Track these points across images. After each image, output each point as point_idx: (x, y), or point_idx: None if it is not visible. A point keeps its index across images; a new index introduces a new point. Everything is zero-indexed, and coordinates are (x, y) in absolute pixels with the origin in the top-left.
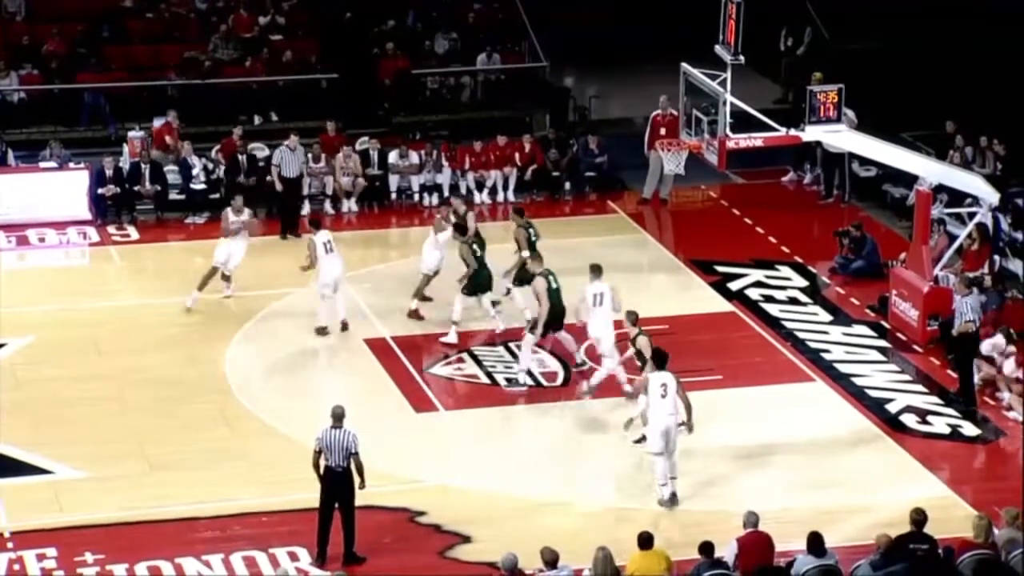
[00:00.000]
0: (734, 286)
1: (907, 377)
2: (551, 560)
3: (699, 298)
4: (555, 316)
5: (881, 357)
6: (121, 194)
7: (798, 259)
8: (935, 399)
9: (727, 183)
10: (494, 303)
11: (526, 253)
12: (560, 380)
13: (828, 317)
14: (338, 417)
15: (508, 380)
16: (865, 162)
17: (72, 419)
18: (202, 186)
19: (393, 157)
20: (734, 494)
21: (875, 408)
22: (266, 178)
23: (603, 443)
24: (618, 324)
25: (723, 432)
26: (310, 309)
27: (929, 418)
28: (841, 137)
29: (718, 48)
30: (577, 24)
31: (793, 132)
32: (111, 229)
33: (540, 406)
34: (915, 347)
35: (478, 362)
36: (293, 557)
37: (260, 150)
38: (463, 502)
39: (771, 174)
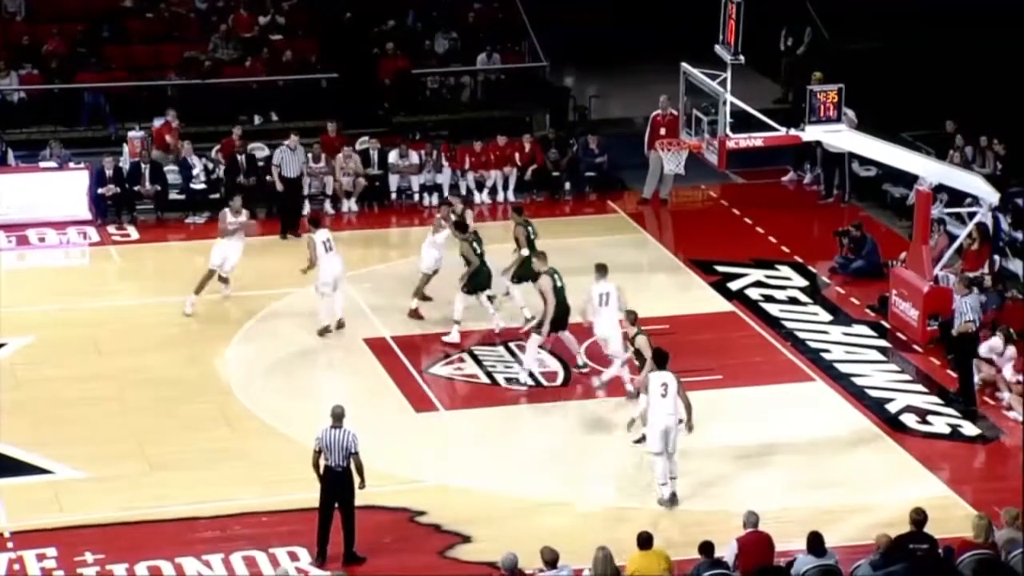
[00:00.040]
0: (734, 286)
1: (907, 377)
2: (551, 560)
3: (699, 298)
4: (560, 315)
5: (881, 357)
6: (121, 194)
7: (798, 259)
8: (935, 399)
9: (727, 183)
10: (490, 297)
11: (525, 251)
12: (560, 380)
13: (828, 317)
14: (338, 417)
15: (508, 380)
16: (865, 162)
17: (72, 419)
18: (202, 186)
19: (393, 157)
20: (734, 494)
21: (875, 408)
22: (266, 178)
23: (603, 443)
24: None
25: (723, 432)
26: (310, 309)
27: (929, 418)
28: (841, 137)
29: (718, 48)
30: (577, 24)
31: (793, 132)
32: (111, 229)
33: (540, 406)
34: (915, 347)
35: (478, 362)
36: (293, 557)
37: (260, 150)
38: (463, 502)
39: (771, 174)
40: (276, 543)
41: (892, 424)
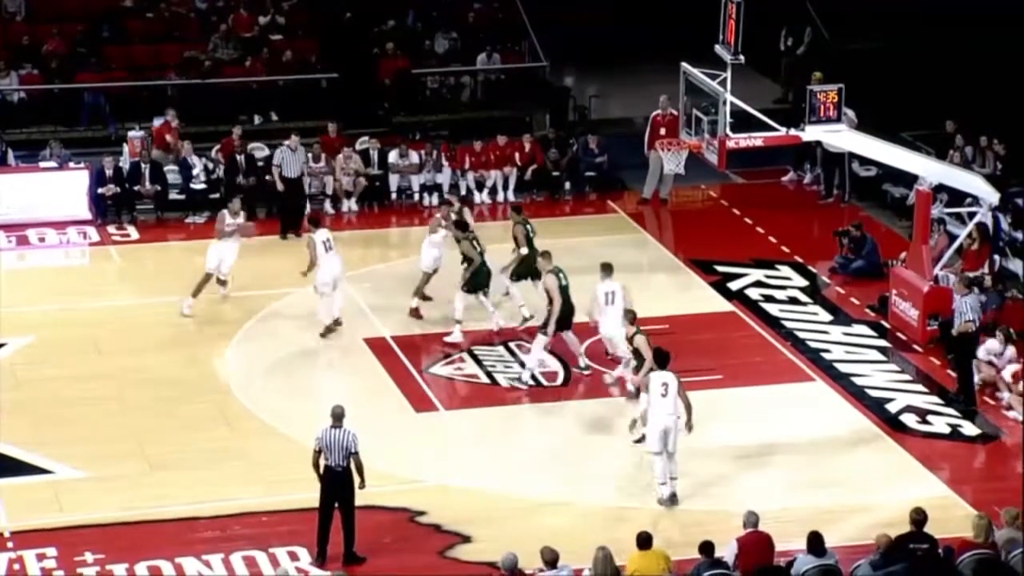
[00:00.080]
0: (734, 286)
1: (907, 377)
2: (551, 560)
3: (699, 298)
4: (564, 315)
5: (881, 357)
6: (121, 194)
7: (798, 259)
8: (935, 399)
9: (727, 183)
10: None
11: (524, 250)
12: (560, 380)
13: (828, 317)
14: (338, 417)
15: (509, 379)
16: (865, 162)
17: (72, 419)
18: (202, 186)
19: (393, 157)
20: (734, 494)
21: (875, 408)
22: (266, 178)
23: (603, 443)
24: None
25: (723, 432)
26: (310, 309)
27: (929, 418)
28: (841, 137)
29: (718, 48)
30: (577, 24)
31: (793, 132)
32: (111, 229)
33: (540, 406)
34: (915, 347)
35: (478, 362)
36: (293, 557)
37: (260, 150)
38: (463, 502)
39: (771, 174)
40: (276, 543)
41: (892, 424)
